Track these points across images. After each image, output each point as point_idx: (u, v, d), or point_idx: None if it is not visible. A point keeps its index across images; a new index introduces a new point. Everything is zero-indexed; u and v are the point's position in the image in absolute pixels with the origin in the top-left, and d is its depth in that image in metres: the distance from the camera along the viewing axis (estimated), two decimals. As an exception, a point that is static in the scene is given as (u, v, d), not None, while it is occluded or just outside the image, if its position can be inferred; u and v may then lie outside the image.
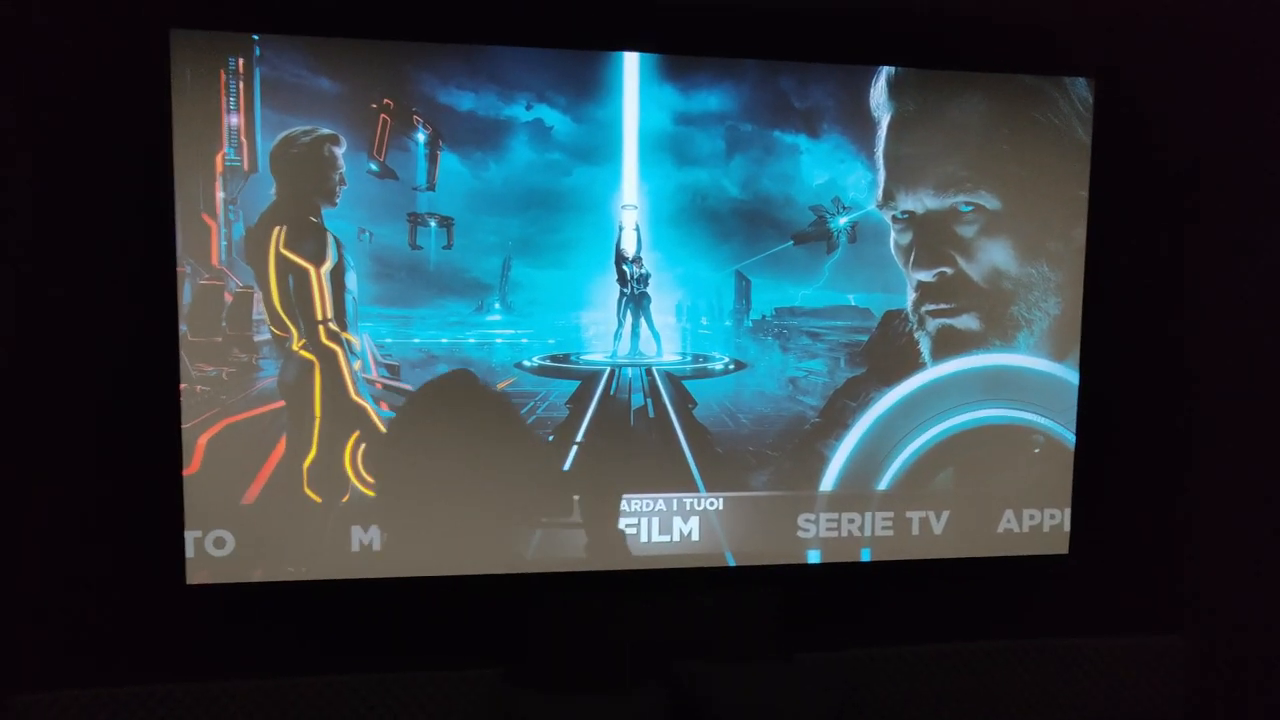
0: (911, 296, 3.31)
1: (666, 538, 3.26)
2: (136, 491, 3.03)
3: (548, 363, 3.16)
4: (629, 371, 3.20)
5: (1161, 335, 3.50)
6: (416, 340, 3.09)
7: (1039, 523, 3.43)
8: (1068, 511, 3.45)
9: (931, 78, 3.26)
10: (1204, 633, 3.52)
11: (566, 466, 3.19)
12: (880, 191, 3.28)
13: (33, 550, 3.02)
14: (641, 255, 3.18)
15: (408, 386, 3.10)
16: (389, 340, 3.08)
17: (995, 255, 3.33)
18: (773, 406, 3.28)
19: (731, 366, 3.24)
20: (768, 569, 3.33)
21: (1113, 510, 3.49)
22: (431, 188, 3.06)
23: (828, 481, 3.33)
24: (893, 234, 3.29)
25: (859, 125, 3.24)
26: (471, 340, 3.12)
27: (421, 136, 3.04)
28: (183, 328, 2.99)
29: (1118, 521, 3.51)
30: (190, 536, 3.02)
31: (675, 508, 3.26)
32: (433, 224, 3.07)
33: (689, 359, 3.24)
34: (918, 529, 3.39)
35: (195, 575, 3.03)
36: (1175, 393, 3.54)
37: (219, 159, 2.96)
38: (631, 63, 3.11)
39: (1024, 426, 3.40)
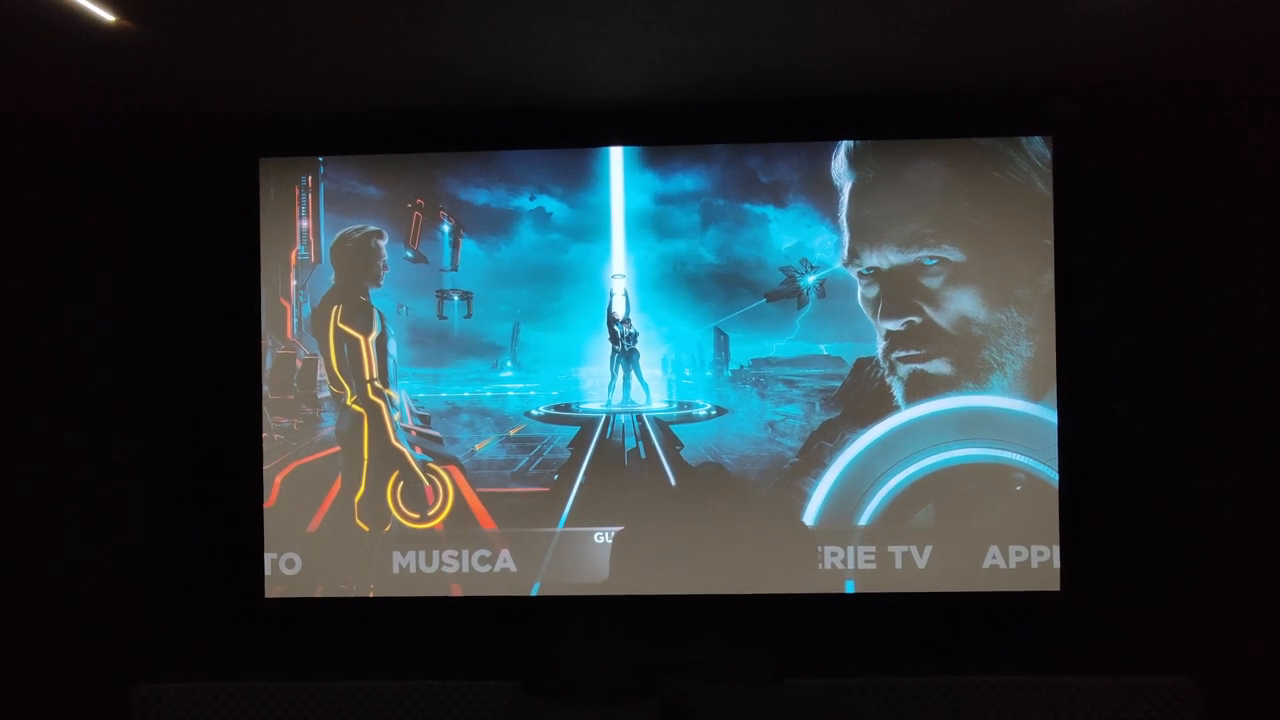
0: (881, 344, 2.66)
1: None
2: (230, 520, 2.79)
3: (552, 411, 2.74)
4: (622, 418, 2.72)
5: (1139, 370, 2.65)
6: (444, 394, 2.76)
7: (1026, 559, 2.61)
8: (1056, 548, 2.59)
9: (889, 147, 2.67)
10: (1215, 672, 2.51)
11: (570, 501, 2.70)
12: (845, 251, 2.69)
13: (150, 568, 2.89)
14: (630, 317, 2.73)
15: (437, 434, 2.74)
16: (422, 395, 2.76)
17: (962, 304, 2.64)
18: (753, 448, 2.69)
19: (714, 412, 2.69)
20: (755, 598, 2.67)
21: (1104, 546, 2.63)
22: (455, 268, 2.77)
23: (809, 516, 2.66)
24: (860, 288, 2.68)
25: (822, 193, 2.69)
26: (488, 393, 2.75)
27: (447, 227, 2.76)
28: (265, 388, 2.76)
29: (1111, 557, 2.63)
30: (268, 558, 2.76)
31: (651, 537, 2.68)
32: (456, 298, 2.76)
33: (675, 406, 2.72)
34: (900, 563, 2.65)
35: (272, 590, 2.76)
36: (1159, 425, 2.65)
37: (293, 254, 2.80)
38: (616, 155, 2.73)
39: (1003, 465, 2.63)
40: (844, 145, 2.74)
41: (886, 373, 2.71)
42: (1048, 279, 2.68)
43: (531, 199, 2.81)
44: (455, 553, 2.79)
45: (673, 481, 2.76)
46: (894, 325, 2.71)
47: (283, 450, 2.83)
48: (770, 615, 2.71)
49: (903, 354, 2.70)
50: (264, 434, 2.83)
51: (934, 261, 2.69)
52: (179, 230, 2.89)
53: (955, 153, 2.70)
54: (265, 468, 2.83)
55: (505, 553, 2.78)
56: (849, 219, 2.74)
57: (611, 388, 2.78)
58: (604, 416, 2.78)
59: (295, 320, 2.86)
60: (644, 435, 2.77)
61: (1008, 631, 2.69)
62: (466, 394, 2.80)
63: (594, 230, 2.80)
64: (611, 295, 2.79)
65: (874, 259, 2.72)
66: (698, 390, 2.76)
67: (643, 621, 2.72)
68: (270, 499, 2.82)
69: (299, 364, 2.86)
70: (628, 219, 2.79)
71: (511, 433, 2.79)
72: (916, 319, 2.70)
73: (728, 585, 2.72)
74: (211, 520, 2.85)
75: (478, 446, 2.80)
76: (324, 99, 2.77)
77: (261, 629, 2.84)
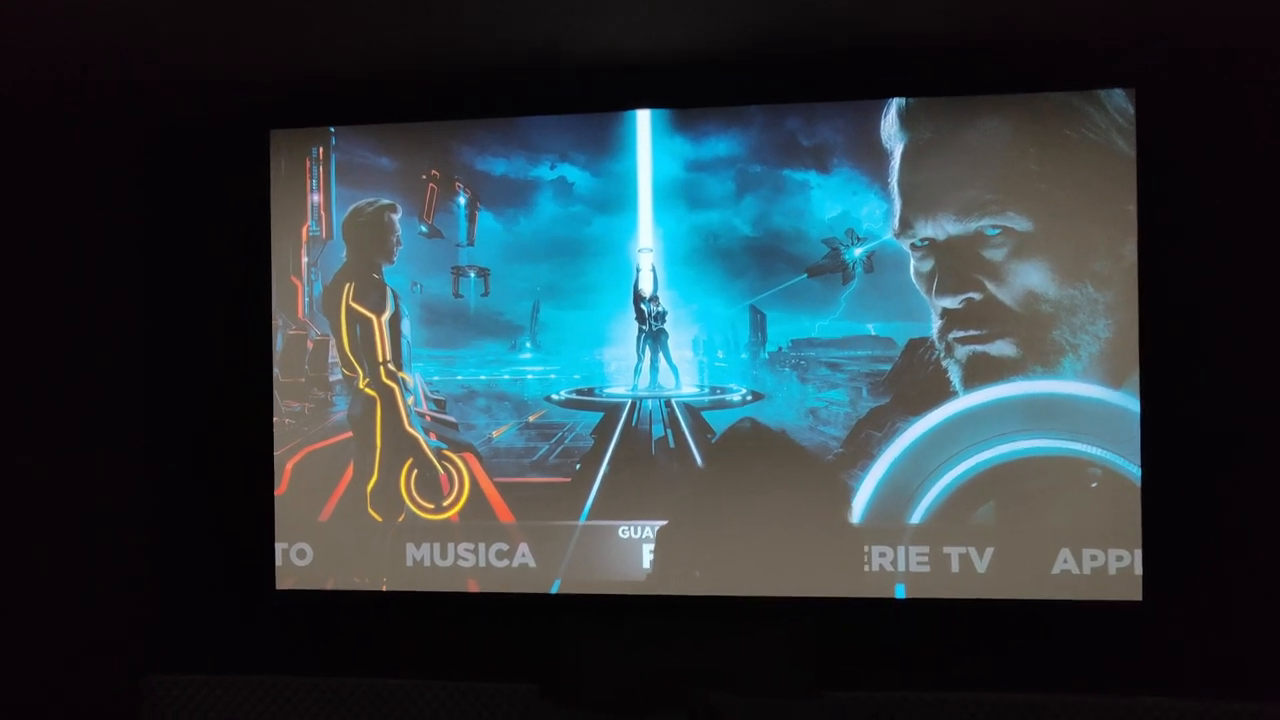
0: (937, 324, 2.18)
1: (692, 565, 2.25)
2: (241, 508, 2.48)
3: (574, 396, 2.33)
4: (649, 403, 2.29)
5: (1233, 352, 2.12)
6: (459, 377, 2.37)
7: (1103, 564, 2.11)
8: (1138, 553, 2.09)
9: (946, 104, 2.18)
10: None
11: (593, 493, 2.28)
12: (896, 220, 2.21)
13: (160, 557, 2.60)
14: (658, 294, 2.30)
15: (452, 419, 2.35)
16: (436, 378, 2.38)
17: (1030, 278, 2.15)
18: (794, 436, 2.22)
19: (749, 398, 2.25)
20: (794, 601, 2.22)
21: (1193, 550, 2.12)
22: (471, 243, 2.38)
23: (855, 513, 2.20)
24: (912, 262, 2.20)
25: (870, 157, 2.22)
26: (506, 376, 2.35)
27: (462, 200, 2.36)
28: (275, 370, 2.39)
29: (1201, 563, 2.11)
30: (279, 548, 2.41)
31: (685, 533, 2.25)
32: (472, 275, 2.37)
33: (706, 391, 2.28)
34: (957, 566, 2.17)
35: (283, 581, 2.41)
36: (1256, 415, 2.11)
37: (304, 230, 2.43)
38: (644, 119, 2.30)
39: (1077, 458, 2.13)
40: (895, 103, 2.26)
41: (942, 355, 2.23)
42: (1130, 249, 2.17)
43: (552, 168, 2.39)
44: (471, 546, 2.40)
45: (703, 468, 2.32)
46: (951, 302, 2.23)
47: (294, 436, 2.48)
48: (810, 621, 2.25)
49: (961, 334, 2.22)
50: (275, 418, 2.47)
51: (997, 231, 2.20)
52: (187, 206, 2.56)
53: (1022, 109, 2.20)
54: (276, 453, 2.47)
55: (524, 547, 2.38)
56: (900, 185, 2.26)
57: (638, 371, 2.36)
58: (630, 402, 2.36)
59: (306, 299, 2.51)
60: (673, 422, 2.34)
61: (1080, 645, 2.20)
62: (483, 377, 2.40)
63: (619, 201, 2.37)
64: (638, 271, 2.36)
65: (929, 229, 2.24)
66: (731, 374, 2.32)
67: (669, 625, 2.30)
68: (281, 486, 2.48)
69: (310, 345, 2.50)
70: (656, 188, 2.35)
71: (531, 419, 2.39)
72: (977, 295, 2.22)
73: (763, 587, 2.29)
74: (222, 508, 2.52)
75: (495, 433, 2.40)
76: (336, 65, 2.39)
77: (273, 621, 2.49)
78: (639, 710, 2.27)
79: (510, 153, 2.44)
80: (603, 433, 2.39)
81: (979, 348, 2.24)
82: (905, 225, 2.28)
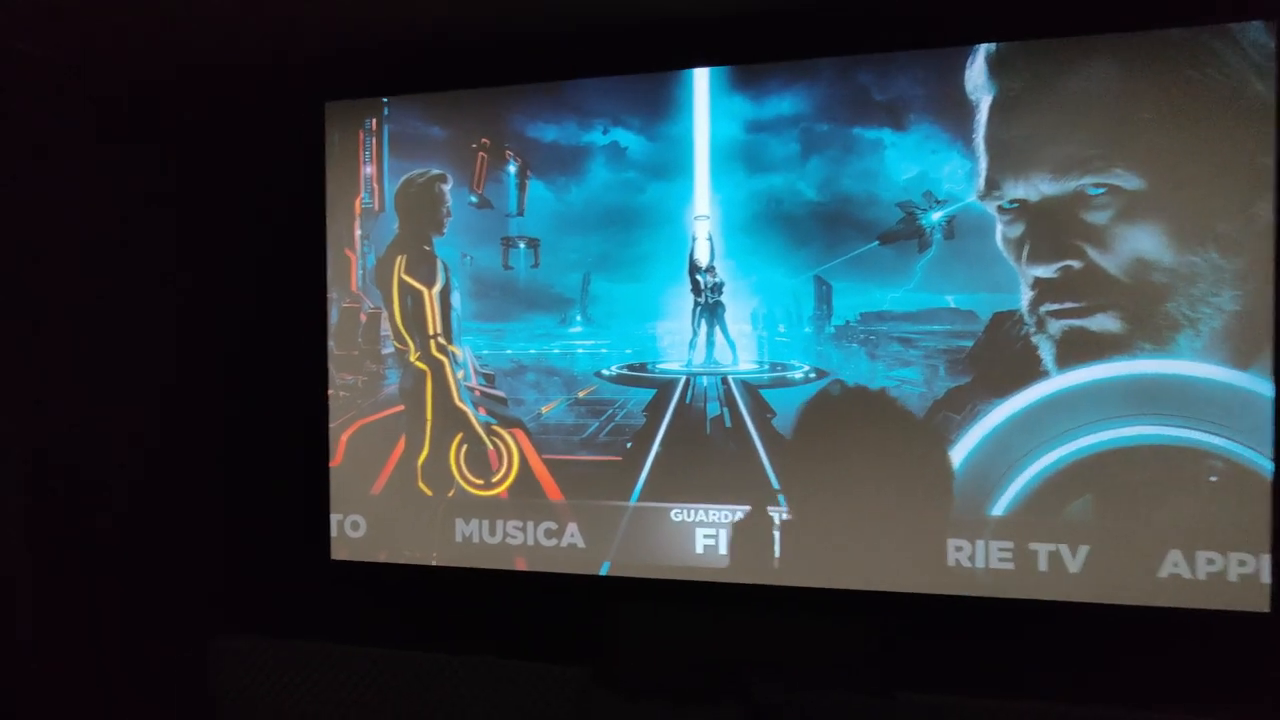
0: (1027, 295, 1.77)
1: (745, 551, 1.92)
2: (299, 478, 2.34)
3: (625, 371, 2.02)
4: (704, 380, 1.97)
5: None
6: (509, 351, 2.10)
7: (1222, 569, 1.68)
8: (1266, 558, 1.65)
9: (1044, 48, 1.75)
10: None
11: (644, 473, 1.98)
12: (982, 181, 1.80)
13: (228, 525, 2.46)
14: (715, 264, 1.96)
15: (502, 394, 2.09)
16: (486, 352, 2.11)
17: (1139, 243, 1.72)
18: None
19: (812, 375, 1.90)
20: (860, 594, 1.87)
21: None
22: (521, 213, 2.09)
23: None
24: (999, 226, 1.79)
25: (953, 111, 1.82)
26: (556, 351, 2.06)
27: (512, 168, 2.08)
28: (330, 343, 2.18)
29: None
30: (334, 519, 2.21)
31: (754, 521, 1.92)
32: (522, 245, 2.09)
33: (766, 367, 1.94)
34: (1045, 564, 1.77)
35: (338, 552, 2.21)
36: None
37: (357, 203, 2.20)
38: (701, 78, 1.96)
39: (1192, 448, 1.70)
40: (983, 50, 1.84)
41: (1033, 330, 1.82)
42: (1264, 209, 1.70)
43: (605, 133, 2.07)
44: (520, 523, 2.13)
45: (763, 455, 1.97)
46: (1045, 271, 1.81)
47: (348, 408, 2.27)
48: (880, 616, 1.89)
49: (1056, 307, 1.80)
50: (330, 391, 2.25)
51: (1101, 190, 1.77)
52: (245, 180, 2.37)
53: (1135, 50, 1.75)
54: (331, 425, 2.27)
55: (573, 526, 2.10)
56: (987, 141, 1.84)
57: (693, 345, 2.03)
58: (684, 378, 2.04)
59: (360, 272, 2.27)
60: (729, 400, 2.00)
61: (1192, 660, 1.77)
62: (533, 351, 2.12)
63: (675, 166, 2.03)
64: (694, 240, 2.02)
65: (1019, 189, 1.82)
66: (793, 349, 1.96)
67: (727, 614, 1.97)
68: (336, 458, 2.26)
69: (363, 318, 2.27)
70: (714, 152, 2.01)
71: (580, 395, 2.09)
72: (1075, 263, 1.79)
73: (829, 578, 1.93)
74: (282, 478, 2.33)
75: (544, 409, 2.12)
76: (388, 33, 2.13)
77: (329, 590, 2.29)
78: (690, 700, 1.97)
79: (561, 118, 2.13)
80: (655, 410, 2.08)
81: (1076, 322, 1.82)
82: (992, 186, 1.87)
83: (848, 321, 1.97)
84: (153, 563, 2.37)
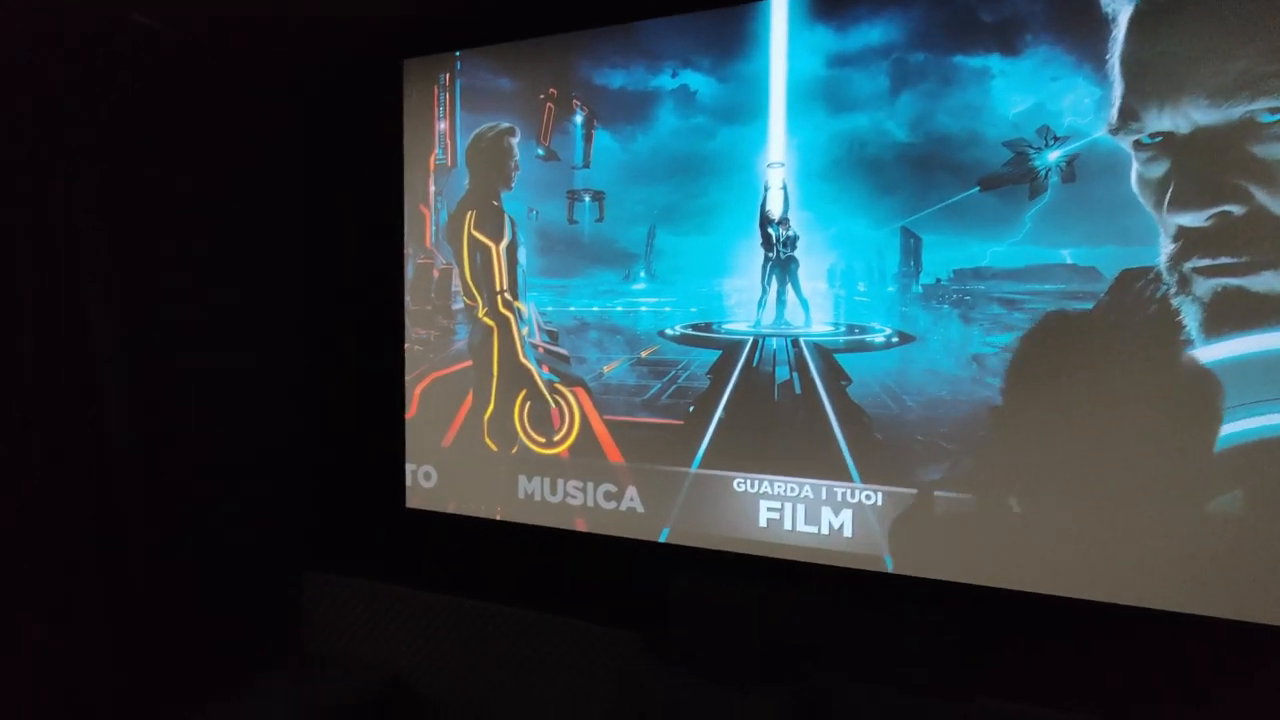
0: (1168, 249, 1.31)
1: (813, 529, 1.59)
2: (377, 429, 2.21)
3: (689, 331, 1.71)
4: (773, 342, 1.62)
5: None
6: (572, 308, 1.83)
7: None
8: None
9: None
10: None
11: (706, 439, 1.67)
12: (1115, 111, 1.34)
13: (318, 468, 2.34)
14: (789, 216, 1.60)
15: (564, 351, 1.83)
16: (550, 308, 1.85)
17: (1328, 181, 1.19)
18: (949, 388, 1.47)
19: (895, 339, 1.51)
20: (940, 585, 1.48)
21: None
22: (587, 165, 1.80)
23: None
24: (1135, 166, 1.32)
25: (1079, 29, 1.35)
26: (619, 308, 1.77)
27: (579, 118, 1.80)
28: (406, 299, 2.00)
29: None
30: (409, 469, 2.04)
31: (824, 496, 1.57)
32: (587, 199, 1.81)
33: (842, 330, 1.56)
34: (1179, 570, 1.31)
35: (412, 500, 2.04)
36: None
37: (431, 159, 1.98)
38: (778, 9, 1.58)
39: (1388, 441, 1.18)
40: (1124, -50, 1.34)
41: (1173, 290, 1.34)
42: None
43: (674, 76, 1.72)
44: (580, 484, 1.86)
45: (835, 425, 1.60)
46: (1193, 219, 1.32)
47: (421, 362, 2.07)
48: (965, 611, 1.49)
49: (1205, 262, 1.31)
50: (405, 344, 2.06)
51: (1276, 118, 1.24)
52: (325, 138, 2.19)
53: (1338, -67, 1.20)
54: (407, 378, 2.08)
55: (632, 490, 1.81)
56: (1124, 63, 1.36)
57: (762, 304, 1.67)
58: (751, 340, 1.69)
59: (434, 228, 2.05)
60: (800, 365, 1.64)
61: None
62: (595, 308, 1.83)
63: (747, 109, 1.66)
64: (766, 190, 1.65)
65: (1163, 120, 1.33)
66: (874, 310, 1.57)
67: (790, 593, 1.63)
68: (411, 410, 2.07)
69: (436, 274, 2.05)
70: (790, 91, 1.62)
71: (643, 354, 1.79)
72: (1236, 208, 1.29)
73: (904, 564, 1.55)
74: (363, 427, 2.17)
75: (606, 368, 1.83)
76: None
77: (403, 536, 2.14)
78: (744, 679, 1.65)
79: (629, 62, 1.80)
80: (720, 373, 1.74)
81: (1233, 281, 1.32)
82: (1127, 117, 1.38)
83: (938, 280, 1.55)
84: (250, 503, 2.28)
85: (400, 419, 2.15)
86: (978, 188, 1.53)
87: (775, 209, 1.70)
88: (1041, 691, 1.45)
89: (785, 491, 1.71)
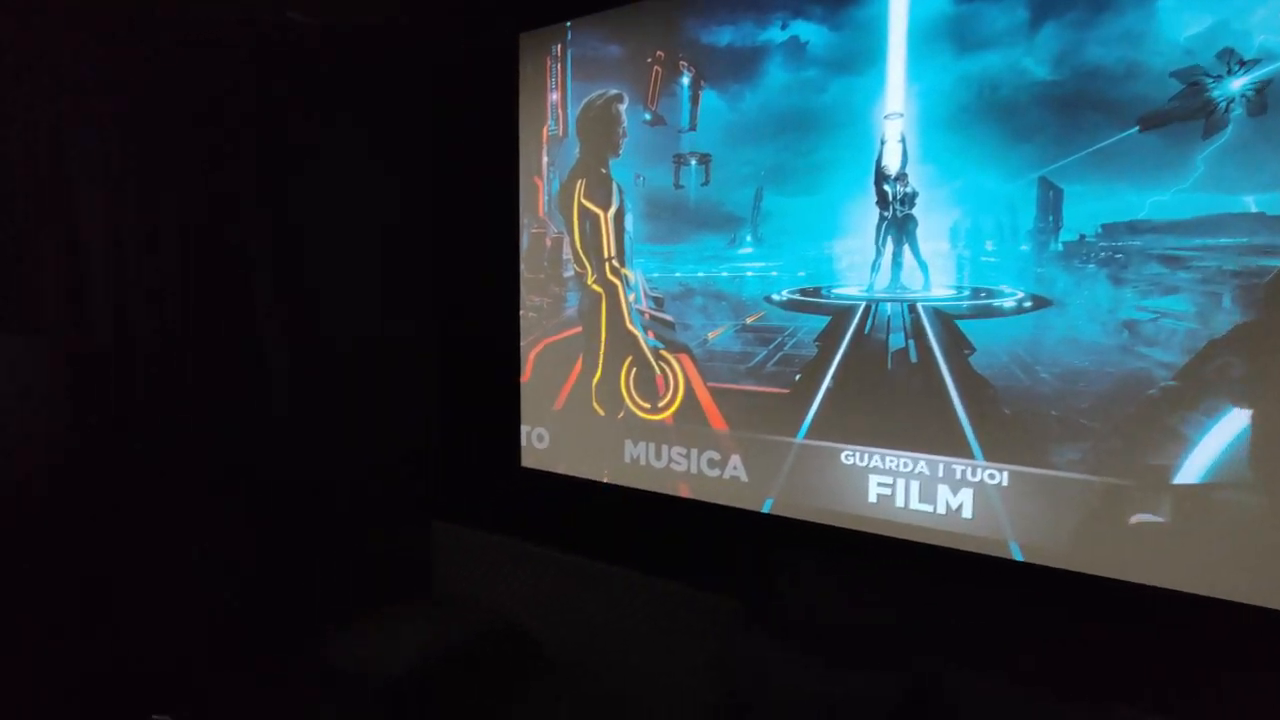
0: (1391, 190, 1.08)
1: (928, 508, 1.52)
2: (494, 391, 2.34)
3: (797, 296, 1.67)
4: (888, 307, 1.55)
5: None
6: (677, 274, 1.86)
7: None
8: None
9: None
10: None
11: (813, 409, 1.64)
12: (1325, 24, 1.11)
13: (448, 436, 2.53)
14: (907, 171, 1.50)
15: (670, 318, 1.86)
16: (656, 274, 1.89)
17: None
18: (1093, 359, 1.33)
19: (1028, 304, 1.39)
20: (1075, 578, 1.37)
21: None
22: (693, 127, 1.81)
23: (1189, 473, 1.26)
24: (1350, 89, 1.10)
25: None
26: (724, 273, 1.78)
27: (686, 79, 1.80)
28: (521, 267, 2.13)
29: None
30: (524, 430, 2.18)
31: (941, 474, 1.50)
32: (693, 162, 1.82)
33: (965, 293, 1.47)
34: None
35: (526, 460, 2.19)
36: None
37: (544, 130, 2.06)
38: (902, -58, 1.46)
39: None
40: None
41: (1397, 241, 1.10)
42: None
43: (783, 28, 1.66)
44: (684, 450, 1.88)
45: (955, 398, 1.49)
46: None
47: (535, 328, 2.18)
48: (1104, 610, 1.35)
49: None
50: (520, 311, 2.18)
51: None
52: (449, 115, 2.31)
53: None
54: (521, 344, 2.19)
55: (736, 459, 1.80)
56: None
57: (876, 267, 1.58)
58: (863, 305, 1.61)
59: (546, 198, 2.13)
60: (917, 332, 1.54)
61: None
62: (700, 274, 1.83)
63: (863, 57, 1.56)
64: (883, 144, 1.56)
65: None
66: (1004, 272, 1.43)
67: (899, 573, 1.56)
68: (525, 374, 2.19)
69: (548, 243, 2.13)
70: (912, 32, 1.50)
71: (748, 320, 1.76)
72: None
73: (1026, 552, 1.42)
74: (485, 390, 2.32)
75: (711, 335, 1.82)
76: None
77: (520, 493, 2.27)
78: (848, 662, 1.60)
79: (737, 17, 1.75)
80: (828, 340, 1.67)
81: None
82: (1343, 29, 1.13)
83: (1082, 236, 1.38)
84: (379, 458, 2.50)
85: (515, 383, 2.26)
86: (1136, 128, 1.33)
87: (892, 164, 1.59)
88: (1201, 713, 1.28)
89: (898, 466, 1.62)
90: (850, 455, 1.69)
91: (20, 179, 1.71)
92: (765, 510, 1.82)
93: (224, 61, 1.97)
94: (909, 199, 1.57)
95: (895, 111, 1.58)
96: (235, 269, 2.07)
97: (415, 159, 2.42)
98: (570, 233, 2.12)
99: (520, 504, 2.30)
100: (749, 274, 1.81)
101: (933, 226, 1.55)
